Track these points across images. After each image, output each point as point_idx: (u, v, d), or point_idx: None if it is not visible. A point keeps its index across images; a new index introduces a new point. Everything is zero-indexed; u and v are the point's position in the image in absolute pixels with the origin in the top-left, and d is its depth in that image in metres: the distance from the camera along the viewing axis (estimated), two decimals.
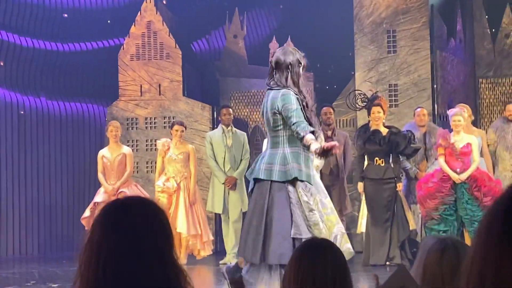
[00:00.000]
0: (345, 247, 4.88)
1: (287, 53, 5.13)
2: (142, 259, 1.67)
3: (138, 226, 1.70)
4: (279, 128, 4.93)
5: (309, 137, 4.77)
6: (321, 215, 4.87)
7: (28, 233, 10.61)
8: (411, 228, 8.10)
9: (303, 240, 4.72)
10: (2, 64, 10.72)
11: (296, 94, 4.96)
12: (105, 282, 1.66)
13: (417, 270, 2.14)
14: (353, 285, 2.09)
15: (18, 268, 9.03)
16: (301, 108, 4.90)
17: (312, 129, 4.83)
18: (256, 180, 4.96)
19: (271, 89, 5.07)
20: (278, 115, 4.91)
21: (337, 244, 4.78)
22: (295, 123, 4.80)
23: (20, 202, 10.58)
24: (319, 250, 2.09)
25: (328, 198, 5.14)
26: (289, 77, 5.01)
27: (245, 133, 9.14)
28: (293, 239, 4.82)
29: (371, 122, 7.98)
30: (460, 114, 7.74)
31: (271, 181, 4.85)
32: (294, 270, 2.06)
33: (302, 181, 4.84)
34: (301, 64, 5.05)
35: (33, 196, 10.69)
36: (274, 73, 5.07)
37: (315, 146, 4.74)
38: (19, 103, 10.77)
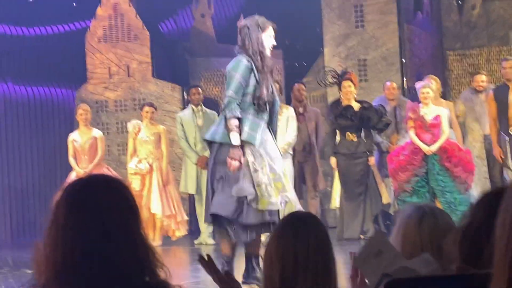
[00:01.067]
0: None
1: (248, 18, 5.17)
2: (109, 237, 1.64)
3: (103, 204, 1.67)
4: None
5: (232, 122, 4.76)
6: (268, 179, 4.81)
7: (0, 220, 10.51)
8: (384, 201, 8.18)
9: (248, 198, 4.74)
10: None
11: (249, 60, 4.88)
12: (73, 263, 1.63)
13: (395, 239, 2.16)
14: (335, 260, 2.09)
15: None
16: (254, 75, 4.84)
17: (238, 115, 4.79)
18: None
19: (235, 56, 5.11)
20: None
21: (281, 212, 4.82)
22: (227, 98, 4.83)
23: None
24: (300, 224, 2.08)
25: (281, 166, 5.00)
26: (245, 40, 4.99)
27: (215, 112, 9.12)
28: (239, 198, 4.80)
29: (342, 97, 8.00)
30: (428, 86, 7.79)
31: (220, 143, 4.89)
32: (276, 245, 2.06)
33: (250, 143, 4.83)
34: (261, 28, 4.95)
35: (3, 181, 10.58)
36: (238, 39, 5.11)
37: (232, 137, 4.76)
38: None
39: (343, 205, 8.07)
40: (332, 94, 9.17)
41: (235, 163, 4.73)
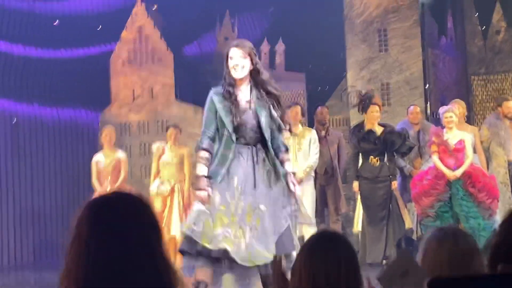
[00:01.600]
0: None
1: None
2: (131, 254, 1.64)
3: (126, 220, 1.66)
4: None
5: (198, 154, 4.71)
6: (212, 208, 4.59)
7: (23, 241, 10.57)
8: (407, 226, 8.10)
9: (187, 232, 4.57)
10: None
11: (221, 91, 4.75)
12: (95, 279, 1.62)
13: (420, 262, 2.13)
14: (362, 281, 2.07)
15: (14, 276, 8.99)
16: (222, 107, 4.69)
17: (204, 147, 4.70)
18: None
19: None
20: None
21: (214, 244, 4.55)
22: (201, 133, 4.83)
23: (14, 209, 10.54)
24: (331, 244, 2.07)
25: (242, 202, 4.66)
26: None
27: None
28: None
29: (366, 120, 7.96)
30: (452, 110, 7.74)
31: None
32: (307, 264, 2.04)
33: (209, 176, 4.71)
34: (226, 55, 4.76)
35: (27, 203, 10.66)
36: None
37: (199, 169, 4.69)
38: (12, 111, 10.74)
39: (365, 229, 8.00)
40: (355, 117, 9.14)
41: (202, 193, 4.64)
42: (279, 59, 11.38)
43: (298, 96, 10.94)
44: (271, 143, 4.74)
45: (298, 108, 8.12)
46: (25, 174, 10.66)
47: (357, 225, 8.35)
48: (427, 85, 9.95)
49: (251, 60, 4.74)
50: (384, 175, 7.90)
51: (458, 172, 7.50)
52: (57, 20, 11.26)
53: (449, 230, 2.15)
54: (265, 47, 11.49)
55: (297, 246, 4.74)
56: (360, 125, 8.07)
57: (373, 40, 10.05)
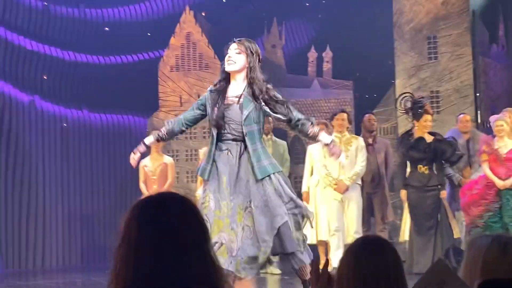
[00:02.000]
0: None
1: None
2: (179, 255, 1.63)
3: (174, 221, 1.66)
4: None
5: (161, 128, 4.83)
6: (209, 214, 4.51)
7: (71, 244, 10.73)
8: (455, 236, 7.97)
9: None
10: (45, 77, 10.91)
11: (212, 89, 4.74)
12: (143, 280, 1.62)
13: (468, 271, 2.08)
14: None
15: (62, 278, 9.12)
16: (211, 100, 4.66)
17: (166, 124, 4.80)
18: None
19: None
20: None
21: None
22: None
23: (63, 213, 10.72)
24: (378, 248, 2.05)
25: (232, 202, 4.57)
26: None
27: (285, 142, 9.12)
28: None
29: (416, 128, 7.83)
30: (503, 119, 7.60)
31: None
32: (354, 269, 2.02)
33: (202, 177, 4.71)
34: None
35: (75, 207, 10.82)
36: None
37: (147, 139, 4.87)
38: (62, 116, 10.93)
39: (413, 238, 7.89)
40: (403, 125, 9.04)
41: (131, 155, 4.79)
42: (327, 66, 11.34)
43: (346, 103, 10.87)
44: (294, 125, 4.65)
45: (344, 115, 8.07)
46: (74, 178, 10.83)
47: (404, 234, 8.24)
48: (478, 94, 9.79)
49: (246, 57, 4.68)
50: (433, 184, 7.78)
51: (509, 182, 7.35)
52: (107, 27, 11.43)
53: (505, 238, 2.10)
54: (312, 54, 11.47)
55: (301, 245, 4.62)
56: (409, 133, 7.96)
57: (423, 48, 9.94)
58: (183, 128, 4.76)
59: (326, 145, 4.70)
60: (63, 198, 10.73)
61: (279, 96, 4.71)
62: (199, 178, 8.77)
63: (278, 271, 8.46)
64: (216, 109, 4.61)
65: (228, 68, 4.70)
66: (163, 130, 4.79)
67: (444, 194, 7.90)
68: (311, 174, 8.34)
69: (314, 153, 8.20)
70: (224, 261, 4.36)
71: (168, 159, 8.92)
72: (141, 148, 4.78)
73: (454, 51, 9.87)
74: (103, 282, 8.17)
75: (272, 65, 11.63)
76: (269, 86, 4.72)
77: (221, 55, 11.40)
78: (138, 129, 11.46)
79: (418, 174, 7.80)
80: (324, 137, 4.69)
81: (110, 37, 11.43)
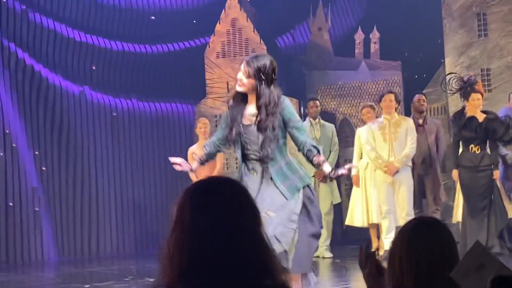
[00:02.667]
0: None
1: None
2: (233, 238, 1.63)
3: (227, 205, 1.66)
4: None
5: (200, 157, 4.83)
6: None
7: (125, 231, 10.90)
8: (509, 216, 7.83)
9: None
10: (94, 68, 11.05)
11: (232, 105, 4.72)
12: (198, 263, 1.62)
13: None
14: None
15: (117, 265, 9.27)
16: (231, 117, 4.64)
17: (204, 156, 4.78)
18: None
19: None
20: None
21: None
22: None
23: (116, 201, 10.88)
24: (432, 230, 2.03)
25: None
26: None
27: (333, 125, 9.07)
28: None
29: (467, 108, 7.67)
30: None
31: None
32: (407, 251, 2.00)
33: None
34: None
35: (127, 195, 10.98)
36: None
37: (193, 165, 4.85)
38: (111, 105, 11.07)
39: (466, 220, 7.77)
40: (453, 105, 8.89)
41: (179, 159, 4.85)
42: (374, 47, 11.21)
43: (394, 84, 10.74)
44: (301, 149, 4.59)
45: (392, 96, 7.97)
46: (124, 167, 10.98)
47: (457, 216, 8.13)
48: None
49: (255, 81, 4.59)
50: (486, 164, 7.64)
51: None
52: (153, 16, 11.51)
53: None
54: (359, 36, 11.34)
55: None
56: (461, 113, 7.81)
57: (472, 25, 9.74)
58: (219, 149, 4.80)
59: (328, 173, 4.64)
60: (115, 186, 10.89)
61: (292, 117, 4.60)
62: None
63: (330, 255, 8.45)
64: (233, 131, 4.60)
65: (237, 89, 4.69)
66: (203, 155, 4.83)
67: (497, 174, 7.75)
68: (360, 157, 8.27)
69: (363, 136, 8.13)
70: None
71: None
72: (190, 171, 4.84)
73: (504, 27, 9.65)
74: (156, 268, 8.28)
75: (318, 48, 11.55)
76: (283, 105, 4.62)
77: (267, 40, 11.39)
78: (186, 117, 11.53)
79: (470, 154, 7.66)
80: (327, 167, 4.63)
81: (156, 25, 11.50)
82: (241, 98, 4.67)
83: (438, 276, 1.95)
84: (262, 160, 4.55)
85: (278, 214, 4.44)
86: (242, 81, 4.64)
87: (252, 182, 4.53)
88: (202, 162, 4.83)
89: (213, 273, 1.61)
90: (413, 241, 2.00)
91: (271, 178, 4.53)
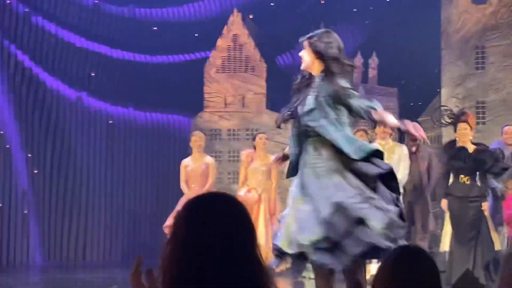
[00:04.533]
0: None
1: None
2: (227, 254, 1.64)
3: (222, 221, 1.68)
4: None
5: None
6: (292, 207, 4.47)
7: (112, 239, 10.88)
8: (496, 248, 7.86)
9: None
10: (93, 74, 11.09)
11: None
12: (190, 277, 1.63)
13: (505, 284, 2.07)
14: None
15: (102, 273, 9.25)
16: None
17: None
18: None
19: None
20: None
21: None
22: None
23: (106, 208, 10.88)
24: (414, 260, 2.04)
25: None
26: None
27: None
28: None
29: (457, 139, 7.77)
30: None
31: None
32: (390, 279, 2.03)
33: None
34: None
35: (118, 203, 10.97)
36: None
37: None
38: (108, 113, 11.09)
39: (453, 249, 7.80)
40: (447, 135, 8.96)
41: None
42: (372, 73, 11.29)
43: (390, 110, 10.80)
44: (357, 114, 4.41)
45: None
46: (117, 175, 10.98)
47: (444, 244, 8.15)
48: None
49: (311, 49, 4.58)
50: (475, 195, 7.68)
51: None
52: (156, 27, 11.57)
53: None
54: (358, 60, 11.43)
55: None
56: (453, 142, 7.88)
57: (470, 57, 9.84)
58: None
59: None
60: (106, 194, 10.89)
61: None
62: (240, 180, 8.80)
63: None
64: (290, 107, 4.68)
65: (302, 67, 4.72)
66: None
67: (486, 206, 7.79)
68: None
69: None
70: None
71: (209, 159, 8.99)
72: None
73: (503, 61, 9.74)
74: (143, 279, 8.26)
75: None
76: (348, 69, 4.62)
77: (267, 58, 11.44)
78: (182, 129, 11.56)
79: (460, 184, 7.71)
80: (392, 118, 4.50)
81: (158, 36, 11.56)
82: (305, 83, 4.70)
83: None
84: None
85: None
86: (302, 57, 4.68)
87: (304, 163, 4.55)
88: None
89: (203, 287, 1.63)
90: (396, 270, 2.03)
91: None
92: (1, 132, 10.10)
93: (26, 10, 10.55)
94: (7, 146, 10.13)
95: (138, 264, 1.72)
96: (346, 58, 4.64)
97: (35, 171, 10.40)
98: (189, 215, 1.70)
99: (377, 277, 2.08)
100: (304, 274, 8.54)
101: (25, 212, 10.22)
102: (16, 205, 10.12)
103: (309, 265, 8.22)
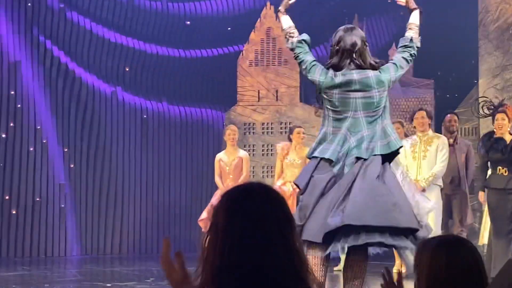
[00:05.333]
0: None
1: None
2: (266, 244, 1.65)
3: (262, 211, 1.68)
4: None
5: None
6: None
7: (148, 233, 10.95)
8: None
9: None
10: (127, 69, 11.15)
11: None
12: (230, 267, 1.64)
13: None
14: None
15: (138, 266, 9.32)
16: None
17: None
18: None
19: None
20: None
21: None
22: None
23: (141, 202, 10.95)
24: (456, 248, 2.00)
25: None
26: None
27: None
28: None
29: (495, 130, 7.64)
30: None
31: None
32: (428, 267, 1.98)
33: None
34: None
35: (153, 197, 11.03)
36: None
37: None
38: (142, 107, 11.16)
39: (492, 242, 7.68)
40: (485, 126, 8.83)
41: None
42: None
43: (426, 102, 10.69)
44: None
45: (423, 113, 7.91)
46: (151, 169, 11.04)
47: (483, 238, 8.04)
48: None
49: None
50: None
51: None
52: (189, 21, 11.58)
53: None
54: (393, 52, 11.31)
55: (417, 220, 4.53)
56: (491, 134, 7.75)
57: (508, 47, 9.66)
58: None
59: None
60: (141, 187, 10.96)
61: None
62: (277, 172, 8.77)
63: None
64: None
65: None
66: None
67: None
68: None
69: None
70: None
71: (243, 153, 8.98)
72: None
73: None
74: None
75: None
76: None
77: None
78: (215, 123, 11.58)
79: (498, 176, 7.58)
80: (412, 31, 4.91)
81: (191, 31, 11.58)
82: None
83: None
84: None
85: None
86: None
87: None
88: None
89: (243, 277, 1.63)
90: (433, 258, 1.98)
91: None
92: (38, 127, 10.22)
93: (61, 5, 10.64)
94: (44, 141, 10.25)
95: (167, 246, 1.74)
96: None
97: (71, 165, 10.51)
98: (229, 204, 1.71)
99: (414, 263, 2.03)
100: (339, 267, 8.49)
101: (62, 206, 10.33)
102: (53, 199, 10.24)
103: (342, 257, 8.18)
